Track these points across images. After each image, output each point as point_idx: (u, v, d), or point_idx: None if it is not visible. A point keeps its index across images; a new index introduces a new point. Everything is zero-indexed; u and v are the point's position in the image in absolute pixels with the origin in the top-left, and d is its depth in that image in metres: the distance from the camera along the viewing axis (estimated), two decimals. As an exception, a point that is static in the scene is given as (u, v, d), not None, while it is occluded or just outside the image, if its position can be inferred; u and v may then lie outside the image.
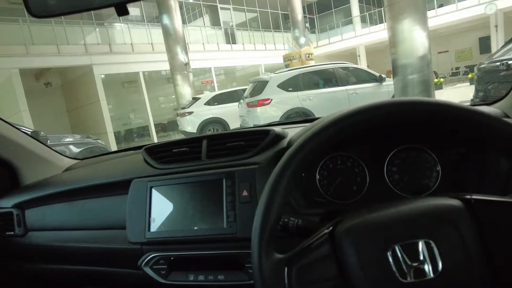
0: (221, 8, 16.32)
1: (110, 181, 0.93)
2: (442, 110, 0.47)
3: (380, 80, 6.80)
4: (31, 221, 1.02)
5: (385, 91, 6.76)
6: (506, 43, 4.64)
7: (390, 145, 0.81)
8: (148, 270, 0.83)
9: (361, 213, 0.48)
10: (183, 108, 9.14)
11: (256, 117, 6.35)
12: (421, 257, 0.42)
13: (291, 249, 0.48)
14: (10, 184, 1.09)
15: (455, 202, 0.46)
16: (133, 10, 14.19)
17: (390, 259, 0.42)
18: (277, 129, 0.88)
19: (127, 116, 13.88)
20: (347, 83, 6.72)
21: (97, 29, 11.92)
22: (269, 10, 18.09)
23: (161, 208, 0.82)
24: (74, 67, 11.23)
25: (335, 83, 6.71)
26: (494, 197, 0.46)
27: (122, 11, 0.54)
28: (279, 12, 18.51)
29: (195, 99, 9.07)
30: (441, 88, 13.56)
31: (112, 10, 0.54)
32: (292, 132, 0.90)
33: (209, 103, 8.77)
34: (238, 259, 0.77)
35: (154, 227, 0.81)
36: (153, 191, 0.84)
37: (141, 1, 13.53)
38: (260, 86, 6.59)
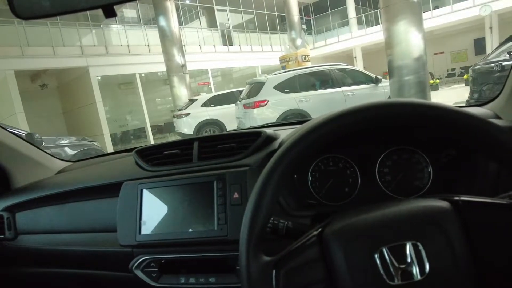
0: (218, 10, 16.34)
1: (101, 183, 0.93)
2: (431, 112, 0.47)
3: (376, 81, 6.83)
4: (21, 224, 1.01)
5: (381, 92, 6.79)
6: (501, 45, 4.68)
7: (381, 146, 0.81)
8: (139, 273, 0.82)
9: (349, 215, 0.48)
10: (180, 109, 9.12)
11: (252, 118, 6.35)
12: (409, 259, 0.42)
13: (281, 251, 0.48)
14: (1, 187, 1.08)
15: (443, 203, 0.45)
16: (130, 11, 14.18)
17: (378, 262, 0.42)
18: (269, 130, 0.88)
19: (123, 118, 13.82)
20: (343, 85, 6.74)
21: (93, 31, 11.89)
22: (265, 12, 18.13)
23: (152, 210, 0.81)
24: (70, 68, 11.18)
25: (332, 85, 6.73)
26: (482, 199, 0.46)
27: (110, 13, 0.53)
28: (276, 13, 18.54)
29: (192, 101, 9.06)
30: (437, 89, 13.64)
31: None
32: (284, 133, 0.90)
33: (205, 104, 8.76)
34: (229, 262, 0.76)
35: (145, 229, 0.81)
36: (144, 193, 0.83)
37: (138, 3, 13.51)
38: (256, 87, 6.59)
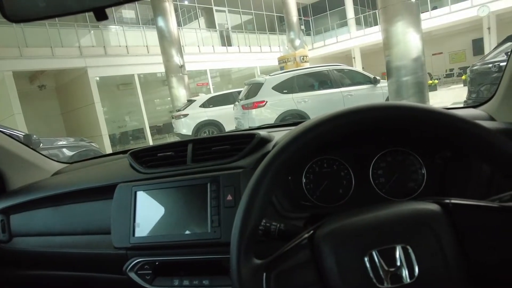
0: (216, 11, 16.34)
1: (96, 185, 0.92)
2: (421, 115, 0.47)
3: (374, 82, 6.84)
4: (16, 226, 1.01)
5: (379, 93, 6.80)
6: (498, 45, 4.70)
7: (376, 148, 0.81)
8: (133, 275, 0.82)
9: (340, 217, 0.48)
10: (179, 110, 9.13)
11: (251, 119, 6.36)
12: (398, 263, 0.42)
13: (272, 253, 0.48)
14: None
15: (433, 206, 0.45)
16: (128, 12, 14.17)
17: (367, 265, 0.42)
18: (263, 132, 0.88)
19: (122, 119, 13.82)
20: (342, 85, 6.75)
21: (92, 32, 11.87)
22: (264, 13, 18.14)
23: (145, 212, 0.81)
24: (68, 69, 11.18)
25: (330, 85, 6.74)
26: (472, 201, 0.46)
27: (101, 16, 0.53)
28: (275, 14, 18.56)
29: (190, 102, 9.06)
30: (435, 89, 13.67)
31: (107, 12, 0.54)
32: (279, 135, 0.90)
33: (204, 105, 8.77)
34: (223, 264, 0.76)
35: (138, 232, 0.81)
36: (138, 195, 0.83)
37: (137, 3, 13.51)
38: (255, 88, 6.60)
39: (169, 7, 10.53)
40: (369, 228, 0.45)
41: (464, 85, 12.28)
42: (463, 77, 12.92)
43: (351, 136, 0.49)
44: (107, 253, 0.86)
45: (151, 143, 11.72)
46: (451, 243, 0.43)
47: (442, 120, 0.46)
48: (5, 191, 1.08)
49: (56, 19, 10.36)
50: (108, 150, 10.83)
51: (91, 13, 0.53)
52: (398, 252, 0.42)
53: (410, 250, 0.42)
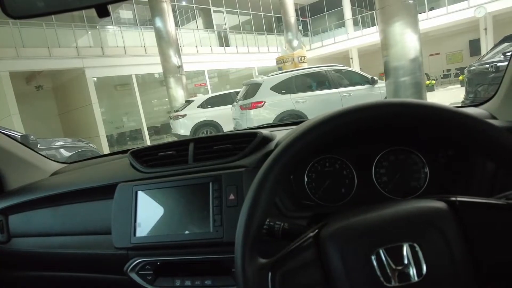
0: (214, 11, 16.34)
1: (96, 185, 0.92)
2: (428, 112, 0.47)
3: (372, 82, 6.86)
4: (15, 227, 1.00)
5: (377, 93, 6.82)
6: (495, 46, 4.73)
7: (378, 147, 0.81)
8: (134, 276, 0.82)
9: (346, 216, 0.48)
10: (176, 111, 9.11)
11: (249, 119, 6.36)
12: (406, 261, 0.41)
13: (277, 253, 0.47)
14: None
15: (440, 204, 0.45)
16: (126, 12, 14.14)
17: (375, 263, 0.42)
18: (265, 131, 0.87)
19: (120, 119, 13.78)
20: (340, 86, 6.76)
21: (89, 32, 11.84)
22: (262, 13, 18.16)
23: (147, 212, 0.81)
24: (65, 70, 11.13)
25: (328, 86, 6.76)
26: (479, 199, 0.46)
27: (103, 13, 0.52)
28: (272, 15, 18.59)
29: (188, 102, 9.05)
30: (432, 90, 13.72)
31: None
32: (280, 134, 0.89)
33: (202, 105, 8.76)
34: (225, 264, 0.76)
35: (139, 232, 0.80)
36: (139, 195, 0.82)
37: (134, 4, 13.49)
38: (253, 88, 6.60)
39: (167, 7, 10.52)
40: (376, 226, 0.44)
41: (461, 86, 12.33)
42: (460, 77, 12.98)
43: (354, 134, 0.49)
44: (107, 254, 0.86)
45: (149, 143, 11.67)
46: (458, 241, 0.42)
47: (450, 117, 0.46)
48: (4, 191, 1.07)
49: (53, 19, 10.33)
50: (106, 151, 10.79)
51: (89, 13, 0.52)
52: (406, 250, 0.42)
53: (418, 248, 0.42)
